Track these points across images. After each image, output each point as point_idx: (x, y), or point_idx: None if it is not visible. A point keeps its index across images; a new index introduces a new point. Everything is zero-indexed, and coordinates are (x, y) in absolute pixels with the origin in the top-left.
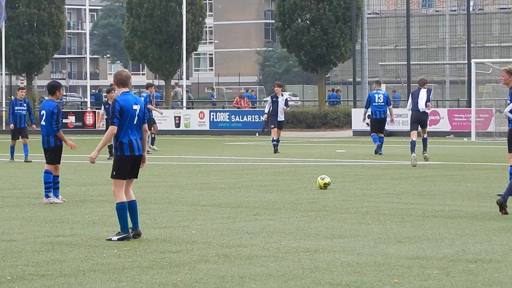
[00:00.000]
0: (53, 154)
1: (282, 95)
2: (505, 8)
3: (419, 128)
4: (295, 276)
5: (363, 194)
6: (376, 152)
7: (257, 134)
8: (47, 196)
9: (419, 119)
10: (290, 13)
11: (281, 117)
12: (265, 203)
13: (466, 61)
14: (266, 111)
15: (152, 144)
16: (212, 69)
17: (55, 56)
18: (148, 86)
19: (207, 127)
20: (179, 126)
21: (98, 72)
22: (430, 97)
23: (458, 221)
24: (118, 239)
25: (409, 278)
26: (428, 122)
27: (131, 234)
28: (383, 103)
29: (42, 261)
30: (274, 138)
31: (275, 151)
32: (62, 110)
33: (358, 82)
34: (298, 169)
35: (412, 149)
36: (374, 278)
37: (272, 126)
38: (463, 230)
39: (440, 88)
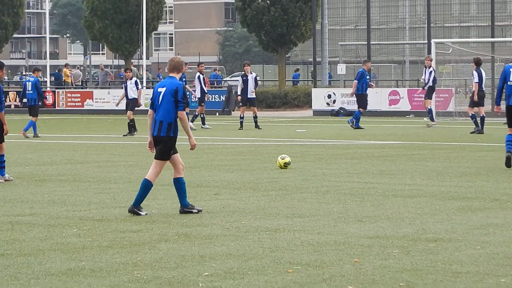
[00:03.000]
0: None
1: (251, 73)
2: None
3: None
4: (255, 256)
5: (323, 174)
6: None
7: (217, 114)
8: None
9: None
10: None
11: (251, 95)
12: (225, 182)
13: (426, 41)
14: (239, 92)
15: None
16: (172, 49)
17: (15, 35)
18: (34, 70)
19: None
20: (139, 106)
21: (57, 51)
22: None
23: (418, 200)
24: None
25: (369, 257)
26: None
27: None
28: None
29: (1, 240)
30: (242, 115)
31: (241, 127)
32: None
33: (318, 62)
34: (258, 149)
35: (480, 124)
36: (334, 257)
37: (241, 104)
38: (423, 209)
39: (400, 68)
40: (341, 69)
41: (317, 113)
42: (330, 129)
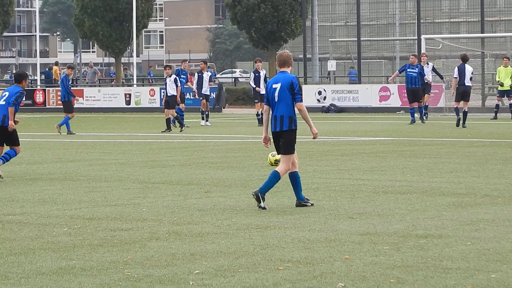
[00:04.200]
0: None
1: (262, 70)
2: None
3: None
4: (246, 253)
5: (313, 171)
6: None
7: None
8: None
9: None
10: None
11: (263, 91)
12: (216, 180)
13: (416, 37)
14: (254, 85)
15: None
16: (162, 46)
17: (5, 34)
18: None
19: (157, 104)
20: (129, 104)
21: (48, 50)
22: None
23: (409, 197)
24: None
25: (360, 254)
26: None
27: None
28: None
29: None
30: (259, 112)
31: (260, 123)
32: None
33: (309, 59)
34: (249, 146)
35: (457, 114)
36: (325, 254)
37: (256, 100)
38: (413, 205)
39: (391, 64)
40: (332, 65)
41: (308, 109)
42: (320, 125)
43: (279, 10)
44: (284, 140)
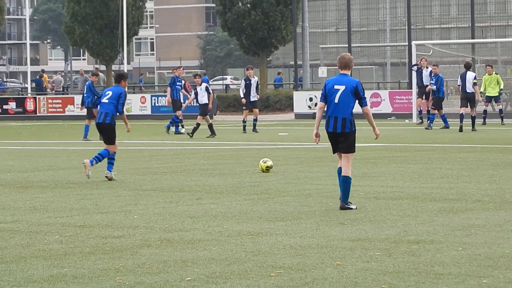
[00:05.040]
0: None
1: (254, 77)
2: None
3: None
4: (237, 260)
5: (305, 177)
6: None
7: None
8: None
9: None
10: None
11: (254, 98)
12: (207, 187)
13: (407, 43)
14: (242, 94)
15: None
16: (153, 54)
17: None
18: (92, 74)
19: (148, 112)
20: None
21: (38, 57)
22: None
23: (400, 203)
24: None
25: (352, 260)
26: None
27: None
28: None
29: None
30: (245, 119)
31: (244, 131)
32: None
33: (300, 65)
34: (240, 153)
35: (461, 120)
36: (316, 260)
37: (245, 108)
38: (405, 211)
39: (381, 70)
40: (322, 72)
41: (299, 116)
42: (312, 132)
43: (269, 17)
44: (346, 140)
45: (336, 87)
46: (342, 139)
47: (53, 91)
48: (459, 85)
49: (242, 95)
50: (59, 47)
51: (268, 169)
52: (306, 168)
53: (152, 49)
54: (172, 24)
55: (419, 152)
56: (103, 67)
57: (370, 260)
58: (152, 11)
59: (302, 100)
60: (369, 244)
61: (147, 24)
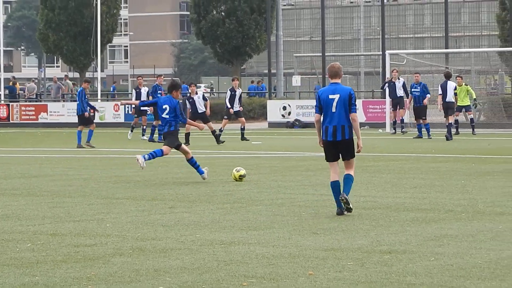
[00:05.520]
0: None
1: (239, 88)
2: None
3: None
4: (210, 269)
5: (278, 186)
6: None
7: None
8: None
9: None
10: (205, 5)
11: (237, 108)
12: (180, 195)
13: (381, 52)
14: (229, 105)
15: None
16: (127, 61)
17: None
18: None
19: (122, 120)
20: (94, 119)
21: (12, 64)
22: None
23: (373, 212)
24: None
25: (324, 269)
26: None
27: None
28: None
29: None
30: (222, 128)
31: (219, 141)
32: None
33: (274, 74)
34: (213, 161)
35: (448, 130)
36: (289, 270)
37: (226, 117)
38: (377, 221)
39: (355, 79)
40: (296, 80)
41: (273, 125)
42: (285, 141)
43: (243, 25)
44: (347, 147)
45: (331, 96)
46: (342, 147)
47: (26, 99)
48: (441, 94)
49: (229, 105)
50: (32, 54)
51: (241, 178)
52: (279, 177)
53: (126, 57)
54: (146, 31)
55: (392, 162)
56: (76, 75)
57: (342, 270)
58: (126, 19)
59: (275, 109)
60: (341, 253)
61: (121, 32)
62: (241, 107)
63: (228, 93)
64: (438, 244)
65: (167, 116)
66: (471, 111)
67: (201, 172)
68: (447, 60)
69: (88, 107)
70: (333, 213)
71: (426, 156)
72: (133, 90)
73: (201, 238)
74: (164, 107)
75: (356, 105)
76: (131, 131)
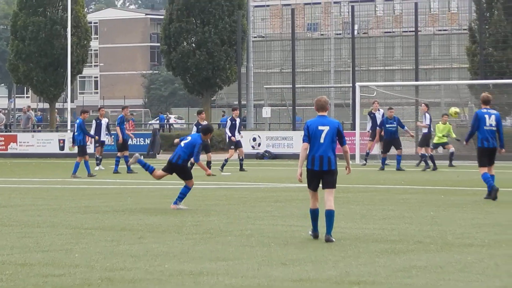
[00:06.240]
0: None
1: (238, 117)
2: (389, 32)
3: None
4: None
5: (247, 217)
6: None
7: (142, 156)
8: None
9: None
10: (175, 36)
11: (238, 137)
12: (149, 226)
13: (351, 84)
14: (230, 134)
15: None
16: (97, 92)
17: None
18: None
19: (91, 150)
20: (63, 149)
21: None
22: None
23: (342, 243)
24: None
25: None
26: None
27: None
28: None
29: None
30: (227, 159)
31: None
32: None
33: (244, 105)
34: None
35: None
36: None
37: (233, 147)
38: (346, 252)
39: None
40: (266, 112)
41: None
42: (255, 172)
43: (214, 57)
44: (332, 177)
45: (320, 127)
46: (327, 176)
47: None
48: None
49: (230, 134)
50: (2, 84)
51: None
52: (248, 208)
53: (96, 88)
54: (117, 62)
55: (362, 193)
56: (46, 105)
57: None
58: (96, 50)
59: (245, 140)
60: (310, 284)
61: (91, 63)
62: (241, 135)
63: (229, 122)
64: (407, 276)
65: (183, 144)
66: (449, 144)
67: (175, 202)
68: (417, 93)
69: (88, 136)
70: (303, 244)
71: (396, 188)
72: (94, 121)
73: (170, 268)
74: (188, 137)
75: (345, 137)
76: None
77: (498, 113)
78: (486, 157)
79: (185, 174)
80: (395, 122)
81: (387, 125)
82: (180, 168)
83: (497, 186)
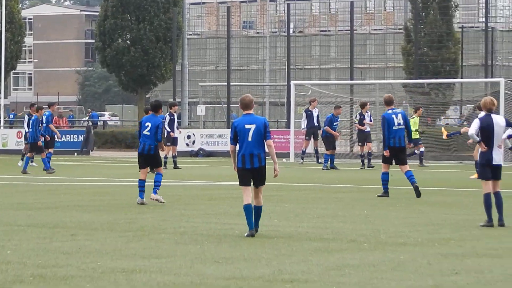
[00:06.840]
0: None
1: (175, 113)
2: (325, 31)
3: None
4: None
5: (181, 215)
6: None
7: (75, 154)
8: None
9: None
10: (110, 33)
11: (177, 134)
12: (82, 223)
13: (286, 83)
14: (169, 129)
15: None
16: (31, 88)
17: None
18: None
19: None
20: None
21: None
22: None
23: (275, 241)
24: None
25: None
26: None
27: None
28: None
29: None
30: (167, 155)
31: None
32: None
33: (178, 103)
34: (116, 190)
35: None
36: None
37: (169, 143)
38: (279, 250)
39: (260, 109)
40: (201, 109)
41: (177, 154)
42: (189, 170)
43: (149, 54)
44: (263, 173)
45: (247, 126)
46: (257, 173)
47: None
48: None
49: (169, 130)
50: None
51: None
52: (182, 206)
53: (30, 84)
54: (51, 59)
55: (296, 192)
56: None
57: None
58: (30, 46)
59: (180, 138)
60: (243, 282)
61: (25, 59)
62: (180, 131)
63: (167, 117)
64: (340, 274)
65: (148, 133)
66: (421, 143)
67: (154, 192)
68: (352, 91)
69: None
70: (236, 242)
71: (330, 186)
72: (26, 116)
73: (103, 265)
74: (146, 124)
75: (270, 133)
76: (32, 160)
77: (404, 111)
78: (393, 156)
79: (158, 162)
80: (339, 121)
81: (334, 123)
82: (153, 156)
83: (417, 184)
